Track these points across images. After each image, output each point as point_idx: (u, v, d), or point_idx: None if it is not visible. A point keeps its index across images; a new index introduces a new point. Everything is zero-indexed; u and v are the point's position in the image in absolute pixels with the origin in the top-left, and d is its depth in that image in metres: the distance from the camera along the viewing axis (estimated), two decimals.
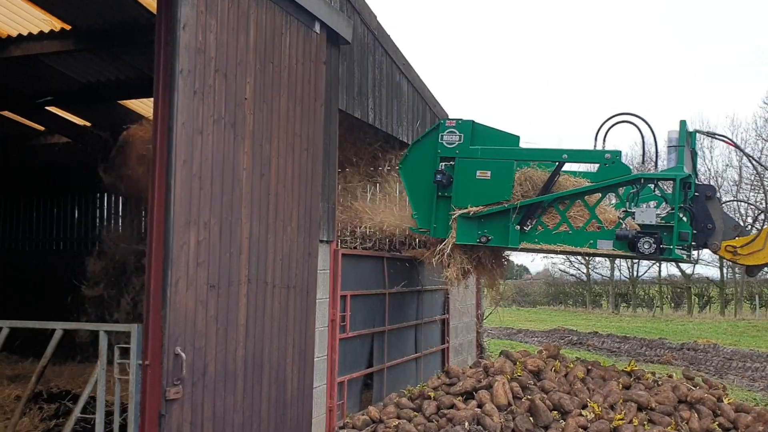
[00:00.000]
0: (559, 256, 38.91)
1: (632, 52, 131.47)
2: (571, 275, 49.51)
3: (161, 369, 5.44)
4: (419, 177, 9.31)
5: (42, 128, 13.69)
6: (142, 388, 5.57)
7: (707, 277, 42.84)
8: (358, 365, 9.08)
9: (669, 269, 43.96)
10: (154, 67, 5.73)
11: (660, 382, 8.33)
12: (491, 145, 8.94)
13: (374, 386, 9.50)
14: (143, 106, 12.83)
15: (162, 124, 5.59)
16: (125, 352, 5.85)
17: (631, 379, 8.39)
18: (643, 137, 8.57)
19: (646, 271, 45.17)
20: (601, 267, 47.00)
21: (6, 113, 12.91)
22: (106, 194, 14.55)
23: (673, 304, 44.07)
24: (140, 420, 5.57)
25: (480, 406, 7.54)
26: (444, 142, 9.10)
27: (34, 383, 6.34)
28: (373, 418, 7.95)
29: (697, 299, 43.12)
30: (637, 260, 33.56)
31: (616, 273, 46.37)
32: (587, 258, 44.11)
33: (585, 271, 48.08)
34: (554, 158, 8.70)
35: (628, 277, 45.97)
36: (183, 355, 5.53)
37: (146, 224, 11.35)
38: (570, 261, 46.49)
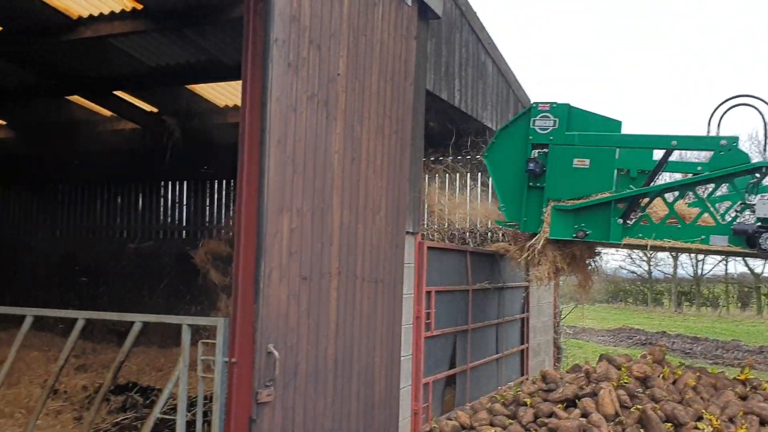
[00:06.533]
0: (621, 251, 37.34)
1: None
2: (632, 272, 47.93)
3: (252, 368, 4.94)
4: (508, 166, 8.66)
5: (109, 113, 13.39)
6: (229, 388, 5.09)
7: None
8: (442, 365, 8.48)
9: (737, 267, 42.15)
10: (243, 38, 5.19)
11: None
12: (589, 130, 8.23)
13: (457, 388, 8.89)
14: (212, 91, 12.43)
15: (253, 99, 5.06)
16: (211, 348, 5.39)
17: (747, 389, 7.58)
18: (765, 121, 7.74)
19: (711, 269, 43.41)
20: (663, 264, 45.43)
21: (74, 98, 12.64)
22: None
23: (740, 304, 42.25)
24: (226, 424, 5.09)
25: (585, 415, 6.86)
26: (536, 128, 8.43)
27: (110, 379, 5.92)
28: (462, 424, 7.35)
29: (766, 299, 41.24)
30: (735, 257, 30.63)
31: (679, 270, 44.71)
32: (650, 254, 42.54)
33: (646, 267, 46.48)
34: (662, 145, 7.96)
35: (692, 274, 44.27)
36: (276, 353, 5.02)
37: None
38: (631, 257, 44.93)
